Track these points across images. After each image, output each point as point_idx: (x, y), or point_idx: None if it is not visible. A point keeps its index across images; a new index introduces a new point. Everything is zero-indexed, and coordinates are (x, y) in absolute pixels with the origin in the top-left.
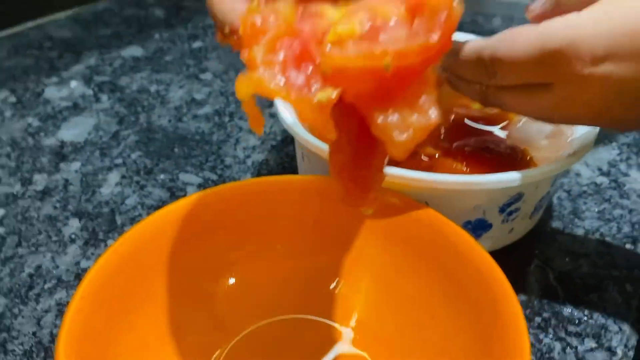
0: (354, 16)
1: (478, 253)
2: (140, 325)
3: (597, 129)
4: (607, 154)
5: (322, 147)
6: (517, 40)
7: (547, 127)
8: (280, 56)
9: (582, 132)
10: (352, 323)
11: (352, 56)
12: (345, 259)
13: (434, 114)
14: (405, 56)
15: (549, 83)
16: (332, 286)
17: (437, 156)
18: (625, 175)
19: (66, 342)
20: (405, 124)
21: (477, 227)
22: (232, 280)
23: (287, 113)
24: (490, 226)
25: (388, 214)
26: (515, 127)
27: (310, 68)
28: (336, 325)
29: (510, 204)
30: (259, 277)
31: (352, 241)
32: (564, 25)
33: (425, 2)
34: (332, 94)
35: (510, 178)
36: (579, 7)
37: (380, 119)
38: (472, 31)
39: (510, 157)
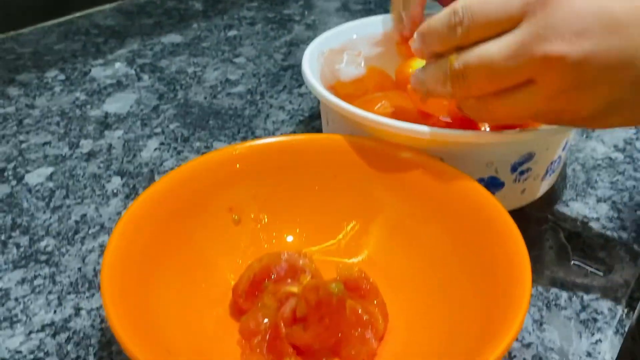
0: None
1: (487, 199)
2: (173, 256)
3: None
4: (624, 133)
5: (345, 107)
6: None
7: None
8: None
9: None
10: (361, 257)
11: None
12: (362, 206)
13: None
14: None
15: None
16: (348, 227)
17: (451, 120)
18: None
19: (111, 264)
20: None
21: (490, 185)
22: (255, 215)
23: (314, 80)
24: (502, 184)
25: (404, 167)
26: None
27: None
28: (345, 260)
29: (521, 163)
30: (282, 217)
31: (369, 191)
32: None
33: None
34: None
35: (519, 134)
36: None
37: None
38: None
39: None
